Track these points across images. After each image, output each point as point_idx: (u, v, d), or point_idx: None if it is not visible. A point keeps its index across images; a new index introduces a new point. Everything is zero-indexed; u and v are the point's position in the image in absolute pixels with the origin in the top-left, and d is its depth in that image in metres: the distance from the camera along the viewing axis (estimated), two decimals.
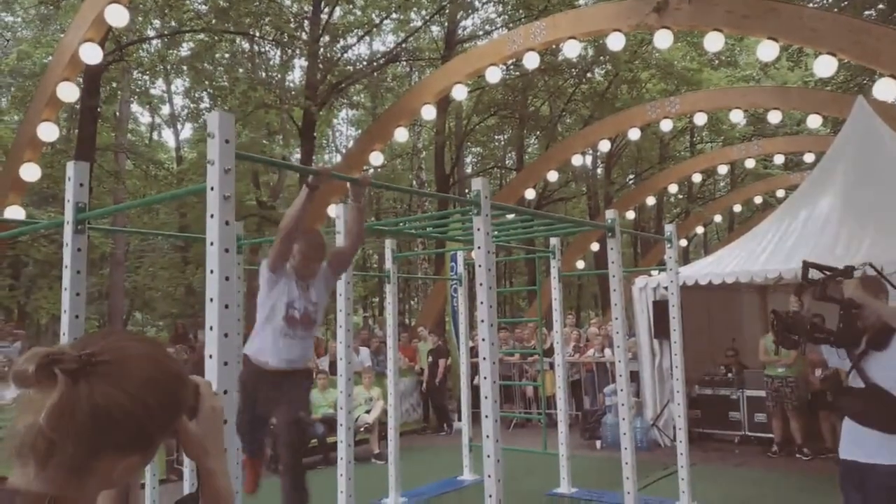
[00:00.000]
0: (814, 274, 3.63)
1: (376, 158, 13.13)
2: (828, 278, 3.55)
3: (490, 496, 3.93)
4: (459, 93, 12.47)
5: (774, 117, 13.11)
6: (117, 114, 20.70)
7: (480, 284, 4.18)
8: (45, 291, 18.46)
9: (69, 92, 9.77)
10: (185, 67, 17.67)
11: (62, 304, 3.44)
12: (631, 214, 20.23)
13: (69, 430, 0.85)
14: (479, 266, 4.18)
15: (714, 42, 9.05)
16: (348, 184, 4.10)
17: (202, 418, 1.04)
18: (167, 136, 27.65)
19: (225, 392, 2.71)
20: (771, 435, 8.66)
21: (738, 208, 22.87)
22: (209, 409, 1.06)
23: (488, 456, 3.96)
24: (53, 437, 0.84)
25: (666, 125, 15.11)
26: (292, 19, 16.85)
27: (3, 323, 13.02)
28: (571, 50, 10.68)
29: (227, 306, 2.74)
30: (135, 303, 24.77)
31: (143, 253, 23.72)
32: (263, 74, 19.36)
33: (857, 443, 3.41)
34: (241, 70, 18.42)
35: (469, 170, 26.65)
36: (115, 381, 0.88)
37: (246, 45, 19.57)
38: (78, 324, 3.39)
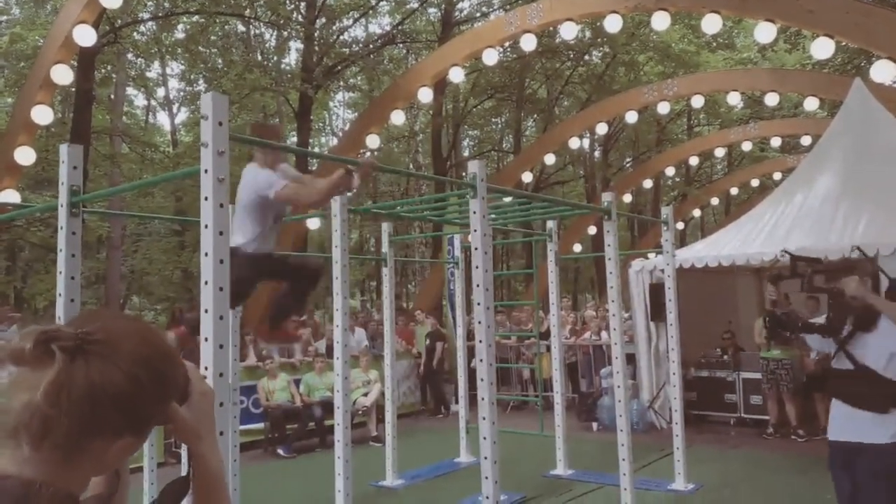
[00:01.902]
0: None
1: (373, 141, 13.07)
2: (814, 271, 3.62)
3: (487, 478, 3.96)
4: (456, 75, 12.38)
5: (772, 100, 13.08)
6: (112, 97, 20.54)
7: (477, 267, 4.18)
8: (42, 276, 18.37)
9: (63, 74, 9.69)
10: (179, 50, 17.51)
11: (58, 288, 3.43)
12: (628, 197, 20.18)
13: (66, 407, 0.84)
14: (476, 249, 4.18)
15: (712, 24, 8.99)
16: (346, 168, 4.06)
17: (193, 402, 1.05)
18: (162, 119, 27.51)
19: (221, 375, 2.71)
20: (766, 417, 8.72)
21: (734, 191, 22.87)
22: (199, 394, 1.06)
23: (485, 438, 3.98)
24: (50, 415, 0.84)
25: (663, 108, 15.06)
26: (287, 1, 16.69)
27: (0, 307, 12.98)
28: (569, 32, 10.61)
29: (221, 289, 2.74)
30: (132, 287, 24.73)
31: (140, 237, 23.63)
32: (259, 57, 19.21)
33: (847, 424, 3.44)
34: (235, 51, 18.27)
35: (466, 153, 26.55)
36: (111, 360, 0.88)
37: (241, 28, 19.40)
38: (74, 307, 3.38)
